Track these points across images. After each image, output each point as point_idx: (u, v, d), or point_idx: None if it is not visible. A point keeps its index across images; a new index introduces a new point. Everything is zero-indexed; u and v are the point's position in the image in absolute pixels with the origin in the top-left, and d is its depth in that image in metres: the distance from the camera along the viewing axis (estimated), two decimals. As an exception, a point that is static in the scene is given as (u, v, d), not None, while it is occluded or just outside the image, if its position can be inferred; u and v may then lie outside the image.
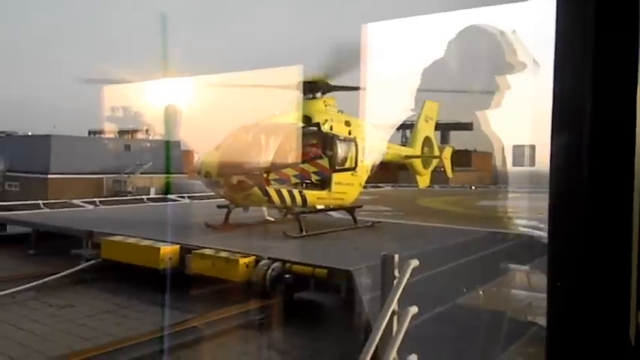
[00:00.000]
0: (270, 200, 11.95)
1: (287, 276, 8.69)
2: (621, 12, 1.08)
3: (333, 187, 12.61)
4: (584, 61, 1.11)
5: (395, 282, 5.22)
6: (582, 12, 1.12)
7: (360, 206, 14.20)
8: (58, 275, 10.00)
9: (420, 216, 16.94)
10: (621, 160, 1.10)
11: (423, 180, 17.99)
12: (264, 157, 11.72)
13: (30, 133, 42.50)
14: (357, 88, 13.39)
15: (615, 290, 1.12)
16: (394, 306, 5.01)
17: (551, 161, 1.18)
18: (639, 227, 1.10)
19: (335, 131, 12.85)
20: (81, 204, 17.56)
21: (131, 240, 10.46)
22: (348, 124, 13.33)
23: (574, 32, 1.14)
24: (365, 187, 15.22)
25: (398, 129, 37.00)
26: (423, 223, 15.03)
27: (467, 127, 35.96)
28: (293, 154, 12.15)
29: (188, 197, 20.64)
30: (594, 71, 1.11)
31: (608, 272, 1.13)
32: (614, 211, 1.12)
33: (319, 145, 12.50)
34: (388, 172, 26.63)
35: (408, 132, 31.56)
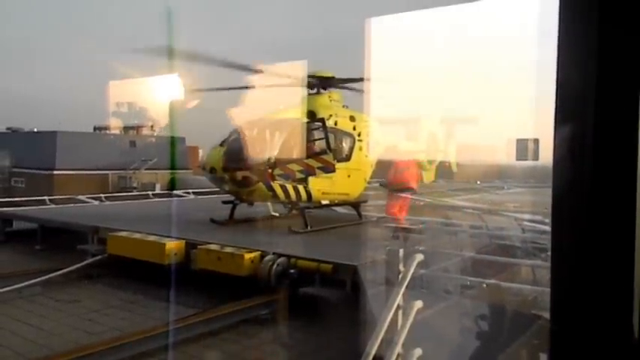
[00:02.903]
0: (274, 195, 11.93)
1: (292, 271, 8.70)
2: (626, 1, 1.08)
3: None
4: (588, 51, 1.11)
5: (400, 276, 5.23)
6: (586, 1, 1.11)
7: (365, 201, 14.18)
8: (64, 271, 10.06)
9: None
10: (625, 153, 1.09)
11: (428, 175, 17.91)
12: (269, 152, 11.70)
13: (36, 130, 42.65)
14: (361, 80, 13.32)
15: (619, 283, 1.12)
16: (399, 300, 5.02)
17: (554, 154, 1.17)
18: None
19: (340, 126, 12.81)
20: (86, 200, 17.64)
21: (137, 235, 10.50)
22: (353, 119, 13.28)
23: (577, 22, 1.13)
24: (369, 182, 15.19)
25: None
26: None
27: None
28: (297, 150, 12.12)
29: (193, 193, 20.69)
30: (598, 62, 1.10)
31: (611, 265, 1.13)
32: (617, 204, 1.11)
33: (324, 139, 12.41)
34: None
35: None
